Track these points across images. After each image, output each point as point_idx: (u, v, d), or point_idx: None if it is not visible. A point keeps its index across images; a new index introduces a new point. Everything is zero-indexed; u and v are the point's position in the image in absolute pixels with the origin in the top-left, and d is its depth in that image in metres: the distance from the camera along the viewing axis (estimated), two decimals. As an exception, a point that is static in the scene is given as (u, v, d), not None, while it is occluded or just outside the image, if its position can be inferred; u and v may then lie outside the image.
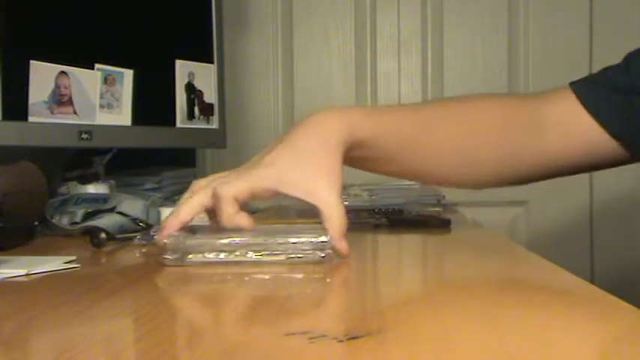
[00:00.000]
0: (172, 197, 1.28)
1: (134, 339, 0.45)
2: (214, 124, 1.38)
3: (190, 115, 1.32)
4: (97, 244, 0.84)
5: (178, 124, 1.30)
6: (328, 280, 0.65)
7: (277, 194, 0.71)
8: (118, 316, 0.51)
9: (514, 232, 1.94)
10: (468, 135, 0.81)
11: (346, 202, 1.30)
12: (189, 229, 0.72)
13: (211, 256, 0.67)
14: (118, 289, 0.62)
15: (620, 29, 1.90)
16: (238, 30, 1.93)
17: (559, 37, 1.91)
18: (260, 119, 1.96)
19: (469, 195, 1.92)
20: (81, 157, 1.21)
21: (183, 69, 1.31)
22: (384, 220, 1.05)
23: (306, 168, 0.71)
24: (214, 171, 2.01)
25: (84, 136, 1.11)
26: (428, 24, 1.94)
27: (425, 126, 0.80)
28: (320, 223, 0.70)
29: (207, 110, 1.36)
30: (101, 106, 1.15)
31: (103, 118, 1.15)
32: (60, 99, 1.08)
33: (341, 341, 0.41)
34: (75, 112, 1.10)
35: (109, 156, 1.23)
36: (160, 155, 1.39)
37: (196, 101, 1.33)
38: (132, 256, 0.82)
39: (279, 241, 0.67)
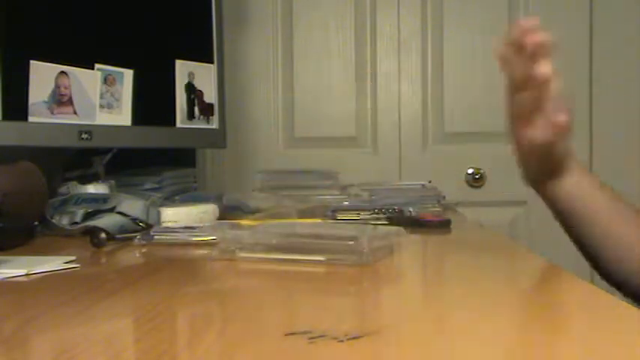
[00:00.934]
0: (172, 197, 1.28)
1: (134, 339, 0.45)
2: (214, 124, 1.38)
3: (190, 115, 1.32)
4: (97, 244, 0.84)
5: (178, 124, 1.30)
6: (329, 280, 0.65)
7: None
8: (118, 316, 0.51)
9: (514, 232, 1.94)
10: None
11: (346, 202, 1.31)
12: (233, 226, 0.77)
13: (259, 255, 0.72)
14: (118, 289, 0.62)
15: (620, 29, 1.90)
16: (238, 30, 1.93)
17: (559, 37, 1.91)
18: (260, 119, 1.96)
19: (469, 195, 1.93)
20: (81, 157, 1.21)
21: (183, 69, 1.31)
22: (384, 220, 1.05)
23: None
24: (214, 171, 2.03)
25: (84, 136, 1.11)
26: (428, 24, 1.94)
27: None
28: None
29: (207, 110, 1.36)
30: (101, 106, 1.15)
31: (103, 118, 1.15)
32: (60, 99, 1.08)
33: (341, 341, 0.41)
34: (75, 112, 1.10)
35: (109, 156, 1.23)
36: (160, 155, 1.39)
37: (196, 101, 1.33)
38: (132, 256, 0.82)
39: (320, 242, 0.70)
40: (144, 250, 0.84)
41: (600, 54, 1.90)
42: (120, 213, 0.95)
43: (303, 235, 0.73)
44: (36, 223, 0.96)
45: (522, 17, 1.93)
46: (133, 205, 0.97)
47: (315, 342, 0.41)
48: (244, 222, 1.00)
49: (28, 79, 1.04)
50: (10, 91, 1.00)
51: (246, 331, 0.45)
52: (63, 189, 1.14)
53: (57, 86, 1.07)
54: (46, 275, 0.66)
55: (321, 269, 0.68)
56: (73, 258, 0.72)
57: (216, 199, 1.18)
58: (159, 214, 1.00)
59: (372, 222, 1.05)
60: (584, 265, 2.04)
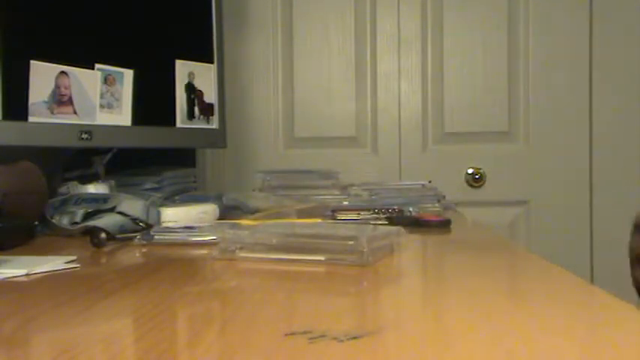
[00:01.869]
0: (172, 197, 1.28)
1: (134, 339, 0.45)
2: (214, 124, 1.38)
3: (190, 115, 1.32)
4: (97, 244, 0.84)
5: (178, 124, 1.30)
6: (329, 280, 0.65)
7: None
8: (118, 316, 0.51)
9: (514, 232, 1.94)
10: None
11: (346, 202, 1.31)
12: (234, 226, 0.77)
13: (259, 255, 0.72)
14: (118, 289, 0.62)
15: (620, 29, 1.90)
16: (238, 30, 1.93)
17: (559, 37, 1.92)
18: (260, 119, 1.96)
19: (469, 195, 1.93)
20: (81, 157, 1.21)
21: (183, 69, 1.31)
22: (384, 220, 1.05)
23: None
24: (214, 171, 2.03)
25: (84, 136, 1.11)
26: (428, 24, 1.94)
27: None
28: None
29: (207, 110, 1.36)
30: (101, 106, 1.15)
31: (103, 118, 1.15)
32: (60, 99, 1.08)
33: (341, 341, 0.41)
34: (75, 112, 1.10)
35: (109, 156, 1.23)
36: (160, 155, 1.39)
37: (196, 101, 1.33)
38: (132, 256, 0.82)
39: (320, 242, 0.70)
40: (144, 250, 0.84)
41: (600, 54, 1.90)
42: (120, 213, 0.95)
43: (303, 235, 0.73)
44: (36, 223, 0.96)
45: (522, 17, 1.92)
46: (133, 205, 0.97)
47: (315, 342, 0.41)
48: (244, 222, 1.00)
49: (28, 79, 1.04)
50: (10, 91, 1.00)
51: (246, 331, 0.45)
52: (63, 189, 1.14)
53: (57, 86, 1.07)
54: (46, 275, 0.66)
55: (321, 269, 0.68)
56: (73, 258, 0.72)
57: (216, 199, 1.18)
58: (159, 214, 1.00)
59: (372, 222, 1.05)
60: (584, 265, 2.04)
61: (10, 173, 0.97)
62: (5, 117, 1.00)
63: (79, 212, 0.98)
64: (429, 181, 1.39)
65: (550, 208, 1.92)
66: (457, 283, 0.64)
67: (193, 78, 1.33)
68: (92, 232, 0.86)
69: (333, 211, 1.09)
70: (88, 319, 0.49)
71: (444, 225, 1.03)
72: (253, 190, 1.50)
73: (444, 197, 1.33)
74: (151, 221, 0.96)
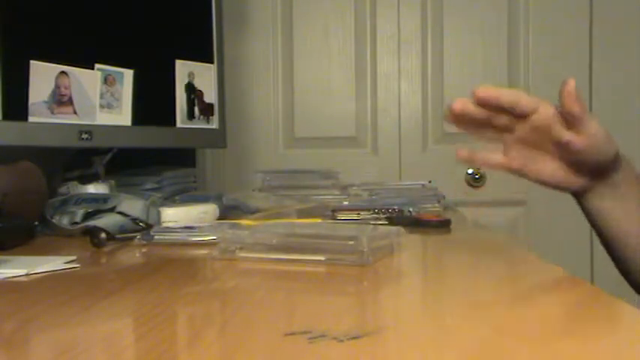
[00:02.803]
0: (172, 197, 1.28)
1: (134, 339, 0.45)
2: (214, 124, 1.38)
3: (190, 115, 1.32)
4: (97, 244, 0.84)
5: (178, 124, 1.30)
6: (329, 280, 0.65)
7: None
8: (118, 316, 0.51)
9: (514, 232, 1.94)
10: None
11: (346, 202, 1.31)
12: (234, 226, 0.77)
13: (259, 255, 0.72)
14: (118, 289, 0.62)
15: (620, 29, 1.90)
16: (238, 30, 1.93)
17: (559, 37, 1.92)
18: (260, 119, 1.96)
19: (469, 195, 1.93)
20: (81, 157, 1.21)
21: (183, 69, 1.31)
22: (384, 219, 1.05)
23: None
24: (214, 171, 2.03)
25: (84, 136, 1.11)
26: (428, 24, 1.94)
27: None
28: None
29: (207, 110, 1.36)
30: (101, 106, 1.15)
31: (103, 118, 1.15)
32: (60, 99, 1.08)
33: (341, 341, 0.41)
34: (75, 112, 1.10)
35: (109, 156, 1.23)
36: (160, 155, 1.39)
37: (196, 101, 1.33)
38: (132, 256, 0.82)
39: (320, 242, 0.70)
40: (144, 250, 0.84)
41: (600, 54, 1.90)
42: (120, 213, 0.95)
43: (303, 235, 0.73)
44: (36, 223, 0.96)
45: (522, 17, 1.92)
46: (133, 205, 0.97)
47: (315, 342, 0.41)
48: (244, 222, 1.00)
49: (28, 79, 1.04)
50: (10, 91, 1.00)
51: (246, 331, 0.45)
52: (63, 189, 1.14)
53: (57, 86, 1.07)
54: (46, 275, 0.66)
55: (321, 269, 0.68)
56: (73, 258, 0.72)
57: (216, 199, 1.18)
58: (159, 214, 1.00)
59: (372, 222, 1.05)
60: (584, 265, 2.04)
61: (10, 173, 0.97)
62: (5, 117, 1.00)
63: (79, 212, 0.98)
64: (429, 181, 1.39)
65: (550, 208, 1.92)
66: (457, 283, 0.64)
67: (193, 78, 1.33)
68: (92, 232, 0.85)
69: (333, 211, 1.09)
70: (88, 319, 0.49)
71: (443, 225, 1.03)
72: (253, 190, 1.50)
73: (443, 197, 1.33)
74: (151, 221, 0.96)
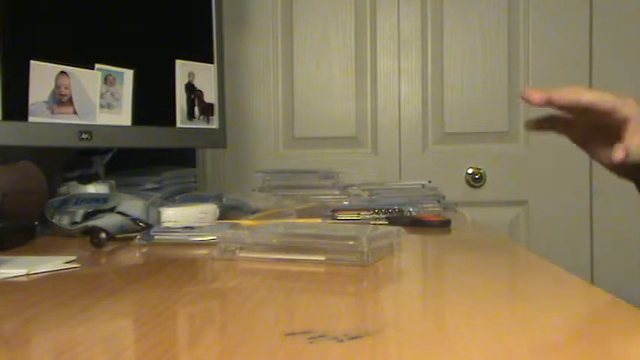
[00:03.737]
0: (172, 197, 1.28)
1: (134, 339, 0.45)
2: (214, 124, 1.38)
3: (190, 115, 1.32)
4: (97, 244, 0.84)
5: (178, 124, 1.30)
6: (329, 280, 0.65)
7: None
8: (118, 316, 0.51)
9: (514, 232, 1.94)
10: None
11: (346, 202, 1.31)
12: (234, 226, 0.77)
13: (259, 254, 0.72)
14: (118, 289, 0.62)
15: (620, 29, 1.90)
16: (238, 30, 1.93)
17: (559, 38, 1.92)
18: (260, 119, 1.96)
19: (469, 195, 1.93)
20: (81, 157, 1.21)
21: (183, 69, 1.31)
22: (384, 219, 1.05)
23: None
24: (214, 171, 2.02)
25: (84, 136, 1.11)
26: (428, 24, 1.95)
27: None
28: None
29: (207, 110, 1.36)
30: (101, 106, 1.15)
31: (103, 118, 1.15)
32: (60, 99, 1.08)
33: (341, 341, 0.41)
34: (75, 112, 1.10)
35: (109, 156, 1.23)
36: (160, 155, 1.39)
37: (196, 101, 1.33)
38: (132, 256, 0.82)
39: (320, 242, 0.70)
40: (144, 250, 0.84)
41: (600, 54, 1.90)
42: (120, 213, 0.95)
43: (303, 235, 0.73)
44: (36, 223, 0.96)
45: (522, 17, 1.92)
46: (133, 205, 0.97)
47: (315, 342, 0.41)
48: (244, 222, 1.00)
49: (28, 79, 1.04)
50: (10, 91, 1.00)
51: (246, 331, 0.45)
52: (63, 189, 1.14)
53: (57, 86, 1.07)
54: (46, 275, 0.66)
55: (321, 269, 0.68)
56: (73, 258, 0.72)
57: (216, 199, 1.18)
58: (159, 214, 1.00)
59: (372, 222, 1.05)
60: (585, 265, 2.04)
61: (10, 173, 0.97)
62: (5, 117, 1.00)
63: (79, 212, 0.98)
64: (429, 181, 1.39)
65: (550, 208, 1.92)
66: (457, 283, 0.64)
67: (193, 78, 1.33)
68: (92, 232, 0.86)
69: (333, 211, 1.09)
70: (88, 319, 0.49)
71: (444, 225, 1.03)
72: (253, 190, 1.50)
73: (443, 197, 1.33)
74: (151, 221, 0.96)
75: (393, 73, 1.95)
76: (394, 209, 1.08)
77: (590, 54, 1.91)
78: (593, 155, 0.86)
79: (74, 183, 1.15)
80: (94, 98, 1.14)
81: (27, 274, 0.65)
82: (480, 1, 1.93)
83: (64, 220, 0.98)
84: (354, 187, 1.45)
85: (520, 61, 1.92)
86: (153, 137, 1.26)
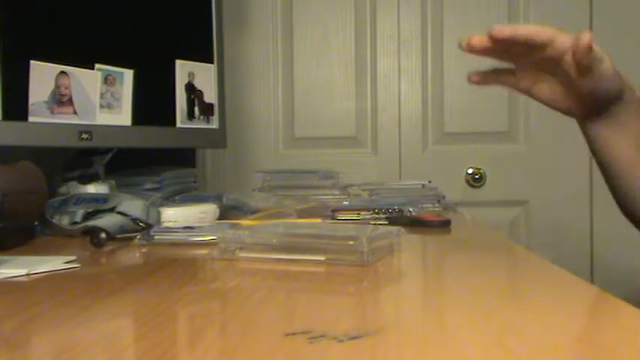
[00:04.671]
0: (172, 197, 1.28)
1: (134, 339, 0.45)
2: (214, 124, 1.38)
3: (190, 115, 1.32)
4: (97, 244, 0.84)
5: (178, 124, 1.30)
6: (329, 280, 0.65)
7: None
8: (118, 316, 0.51)
9: (514, 232, 1.94)
10: None
11: (346, 202, 1.31)
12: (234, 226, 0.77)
13: (259, 254, 0.72)
14: (118, 289, 0.62)
15: (620, 29, 1.90)
16: (238, 30, 1.93)
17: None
18: (260, 119, 1.96)
19: (469, 195, 1.93)
20: (81, 157, 1.21)
21: (183, 69, 1.31)
22: (384, 219, 1.05)
23: None
24: (214, 171, 2.02)
25: (84, 136, 1.11)
26: (428, 24, 1.95)
27: None
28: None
29: (207, 110, 1.36)
30: (101, 106, 1.15)
31: (103, 118, 1.15)
32: (60, 99, 1.08)
33: (341, 341, 0.41)
34: (75, 112, 1.10)
35: (109, 156, 1.23)
36: (160, 155, 1.39)
37: (196, 101, 1.33)
38: (132, 256, 0.82)
39: (320, 242, 0.70)
40: (144, 250, 0.84)
41: (600, 54, 1.90)
42: (120, 213, 0.95)
43: (303, 235, 0.73)
44: (36, 223, 0.96)
45: (522, 17, 1.92)
46: (133, 205, 0.97)
47: (315, 342, 0.41)
48: (244, 222, 1.00)
49: (28, 79, 1.04)
50: (10, 91, 1.00)
51: (246, 331, 0.45)
52: (63, 189, 1.14)
53: (57, 86, 1.07)
54: (46, 275, 0.66)
55: (321, 269, 0.68)
56: (73, 258, 0.72)
57: (216, 199, 1.18)
58: (159, 214, 1.00)
59: (372, 222, 1.05)
60: (584, 265, 2.04)
61: (10, 173, 0.97)
62: (5, 117, 1.00)
63: (79, 212, 0.98)
64: (429, 181, 1.39)
65: (550, 208, 1.92)
66: (457, 283, 0.64)
67: (193, 78, 1.33)
68: (92, 232, 0.86)
69: (333, 211, 1.09)
70: (88, 319, 0.49)
71: (444, 225, 1.03)
72: (253, 190, 1.50)
73: (443, 197, 1.33)
74: (151, 221, 0.96)
75: (393, 73, 1.95)
76: (394, 209, 1.08)
77: (590, 54, 1.90)
78: (539, 98, 0.86)
79: (74, 183, 1.15)
80: (94, 98, 1.14)
81: (27, 274, 0.65)
82: (479, 1, 1.93)
83: (64, 220, 0.98)
84: (354, 187, 1.45)
85: (520, 61, 1.92)
86: (153, 137, 1.26)
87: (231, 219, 1.08)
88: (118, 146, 1.22)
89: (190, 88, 1.32)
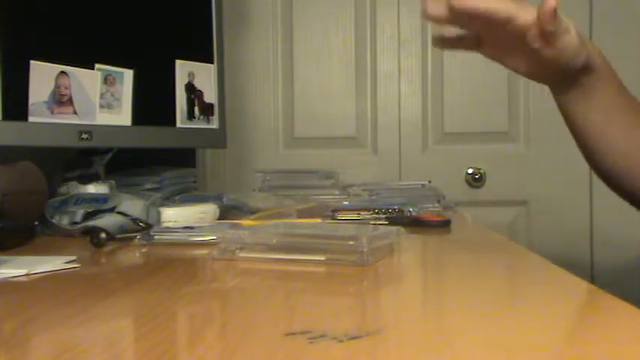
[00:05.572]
0: (172, 197, 1.28)
1: (134, 339, 0.45)
2: (214, 124, 1.38)
3: (190, 115, 1.32)
4: (97, 244, 0.84)
5: (178, 124, 1.30)
6: (329, 280, 0.65)
7: None
8: (118, 316, 0.51)
9: (514, 232, 1.94)
10: None
11: (346, 202, 1.31)
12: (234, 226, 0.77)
13: (259, 255, 0.72)
14: (118, 289, 0.62)
15: (620, 29, 1.90)
16: (238, 30, 1.93)
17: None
18: (260, 119, 1.96)
19: (469, 195, 1.93)
20: (81, 157, 1.21)
21: (183, 69, 1.31)
22: (384, 219, 1.05)
23: None
24: (214, 171, 2.02)
25: (84, 136, 1.11)
26: (428, 24, 1.94)
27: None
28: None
29: (207, 110, 1.36)
30: (101, 106, 1.15)
31: (103, 118, 1.15)
32: (60, 99, 1.08)
33: (341, 341, 0.41)
34: (75, 112, 1.10)
35: (109, 156, 1.23)
36: (160, 155, 1.39)
37: (196, 101, 1.33)
38: (132, 256, 0.82)
39: (320, 242, 0.70)
40: (144, 250, 0.84)
41: (600, 54, 1.90)
42: (120, 213, 0.95)
43: (303, 235, 0.73)
44: (36, 223, 0.96)
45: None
46: (133, 205, 0.97)
47: (315, 342, 0.41)
48: (244, 222, 1.00)
49: (28, 79, 1.04)
50: (10, 91, 1.00)
51: (246, 331, 0.45)
52: (63, 189, 1.14)
53: (57, 86, 1.07)
54: (46, 275, 0.66)
55: (321, 269, 0.68)
56: (73, 258, 0.72)
57: (216, 199, 1.18)
58: (159, 214, 1.00)
59: (372, 222, 1.05)
60: (584, 265, 2.04)
61: (10, 173, 0.97)
62: (5, 117, 1.00)
63: (79, 212, 0.98)
64: (429, 181, 1.39)
65: (550, 208, 1.92)
66: (457, 283, 0.64)
67: (193, 78, 1.33)
68: (92, 232, 0.86)
69: (333, 211, 1.09)
70: (88, 319, 0.49)
71: (444, 225, 1.03)
72: (253, 190, 1.50)
73: (443, 197, 1.33)
74: (151, 221, 0.96)
75: (393, 73, 1.95)
76: (394, 209, 1.08)
77: (590, 54, 1.90)
78: (512, 68, 0.86)
79: (74, 183, 1.15)
80: (94, 98, 1.14)
81: (27, 274, 0.65)
82: (479, 1, 1.92)
83: (64, 220, 0.98)
84: (354, 187, 1.46)
85: (520, 61, 1.92)
86: (153, 137, 1.26)
87: (231, 219, 1.08)
88: (118, 146, 1.22)
89: (190, 88, 1.32)
